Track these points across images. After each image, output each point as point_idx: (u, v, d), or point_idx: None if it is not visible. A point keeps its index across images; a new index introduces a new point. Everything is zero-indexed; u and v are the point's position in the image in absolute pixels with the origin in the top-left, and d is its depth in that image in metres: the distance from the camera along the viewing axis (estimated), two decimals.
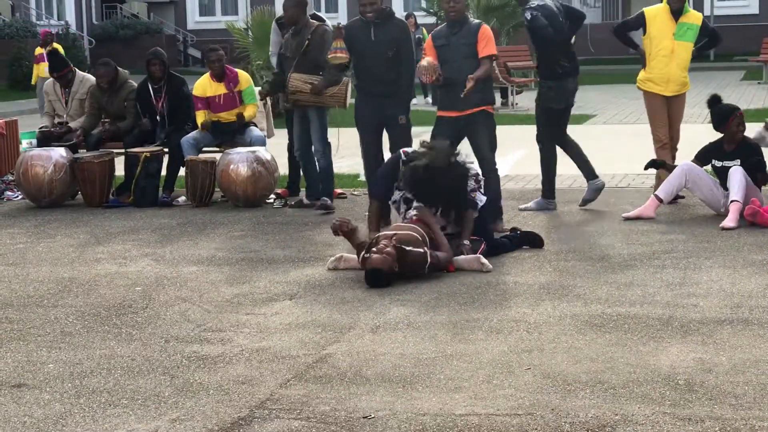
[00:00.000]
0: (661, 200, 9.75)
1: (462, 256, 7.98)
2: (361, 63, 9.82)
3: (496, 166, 9.42)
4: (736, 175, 9.45)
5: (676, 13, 10.44)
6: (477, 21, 9.54)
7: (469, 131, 9.36)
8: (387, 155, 9.27)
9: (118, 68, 12.04)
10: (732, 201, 9.34)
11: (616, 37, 10.77)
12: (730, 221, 9.19)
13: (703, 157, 9.90)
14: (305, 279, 7.86)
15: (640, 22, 10.58)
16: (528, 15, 9.92)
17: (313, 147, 10.65)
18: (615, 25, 10.99)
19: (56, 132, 12.01)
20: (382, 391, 5.42)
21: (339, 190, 11.37)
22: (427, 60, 9.31)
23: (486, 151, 9.34)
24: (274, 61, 11.34)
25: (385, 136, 9.91)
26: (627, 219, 9.65)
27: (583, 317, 6.63)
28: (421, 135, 9.41)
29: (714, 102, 9.91)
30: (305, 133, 10.71)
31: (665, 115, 10.51)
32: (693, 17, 10.52)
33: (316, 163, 10.70)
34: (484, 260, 7.94)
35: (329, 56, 9.84)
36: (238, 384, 5.59)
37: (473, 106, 9.29)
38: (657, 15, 10.52)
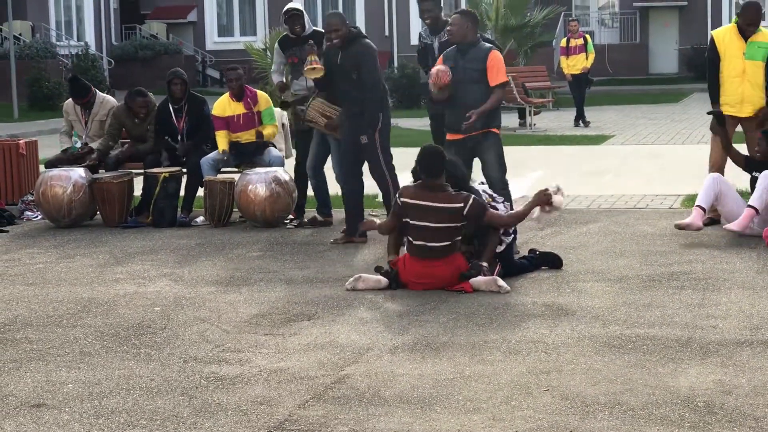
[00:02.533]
0: (704, 209, 9.71)
1: (480, 278, 7.97)
2: (335, 86, 10.09)
3: (508, 187, 9.43)
4: (764, 181, 9.43)
5: (745, 32, 10.20)
6: (487, 46, 9.46)
7: (477, 152, 9.44)
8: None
9: (150, 95, 12.10)
10: (748, 205, 9.34)
11: (710, 88, 10.39)
12: (734, 225, 9.22)
13: (748, 161, 9.96)
14: (324, 299, 7.86)
15: (714, 48, 10.30)
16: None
17: (334, 171, 10.68)
18: (708, 82, 10.42)
19: (72, 155, 12.07)
20: (401, 412, 5.41)
21: None
22: (437, 68, 9.34)
23: (494, 171, 9.38)
24: (275, 78, 11.46)
25: None
26: (678, 227, 9.64)
27: (602, 338, 6.62)
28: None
29: None
30: (322, 152, 10.79)
31: (729, 137, 10.42)
32: (763, 35, 10.26)
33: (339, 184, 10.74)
34: (501, 282, 7.93)
35: (306, 69, 10.09)
36: (256, 405, 5.59)
37: (477, 129, 9.30)
38: (725, 35, 10.31)
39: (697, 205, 9.77)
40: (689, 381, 5.75)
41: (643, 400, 5.47)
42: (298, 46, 11.06)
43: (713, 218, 10.14)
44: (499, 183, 9.29)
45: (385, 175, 10.01)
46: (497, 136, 9.46)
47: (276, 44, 11.72)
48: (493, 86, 9.29)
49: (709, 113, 10.24)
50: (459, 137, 9.36)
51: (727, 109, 10.32)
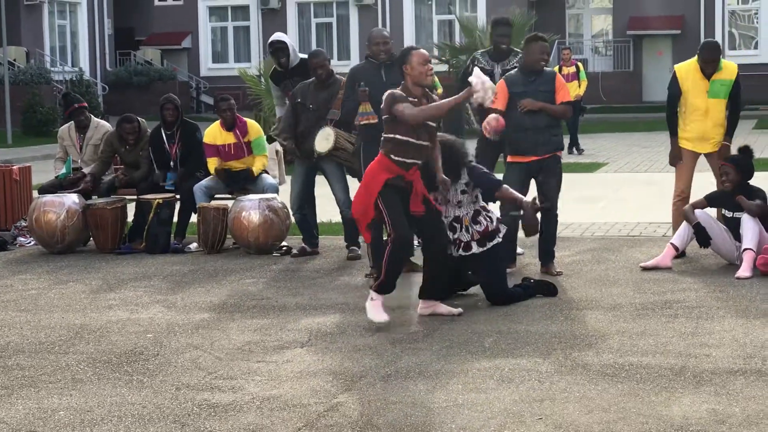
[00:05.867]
0: (677, 248, 9.72)
1: (429, 309, 8.02)
2: (373, 107, 9.48)
3: (557, 210, 9.60)
4: (749, 222, 9.44)
5: (704, 71, 10.21)
6: (550, 70, 9.77)
7: (540, 175, 9.55)
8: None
9: (140, 120, 12.12)
10: (745, 249, 9.31)
11: (668, 120, 10.58)
12: (744, 271, 9.16)
13: (712, 199, 9.89)
14: (316, 327, 7.85)
15: (676, 83, 10.36)
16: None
17: (336, 199, 10.62)
18: (667, 116, 10.66)
19: (64, 181, 12.07)
20: None
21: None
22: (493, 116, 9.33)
23: (553, 194, 9.54)
24: (279, 111, 11.36)
25: None
26: (645, 269, 9.61)
27: (595, 367, 6.61)
28: None
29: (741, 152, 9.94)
30: (306, 186, 10.76)
31: (692, 170, 10.40)
32: (726, 72, 10.21)
33: (340, 214, 10.69)
34: (447, 310, 8.02)
35: (361, 122, 9.64)
36: None
37: (549, 151, 9.48)
38: (689, 72, 10.30)
39: (671, 243, 9.77)
40: (683, 410, 5.75)
41: (637, 429, 5.46)
42: (288, 79, 11.03)
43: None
44: (554, 207, 9.53)
45: None
46: (560, 160, 9.64)
47: (269, 78, 11.68)
48: (559, 103, 9.54)
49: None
50: (526, 159, 9.45)
51: (686, 144, 10.37)
